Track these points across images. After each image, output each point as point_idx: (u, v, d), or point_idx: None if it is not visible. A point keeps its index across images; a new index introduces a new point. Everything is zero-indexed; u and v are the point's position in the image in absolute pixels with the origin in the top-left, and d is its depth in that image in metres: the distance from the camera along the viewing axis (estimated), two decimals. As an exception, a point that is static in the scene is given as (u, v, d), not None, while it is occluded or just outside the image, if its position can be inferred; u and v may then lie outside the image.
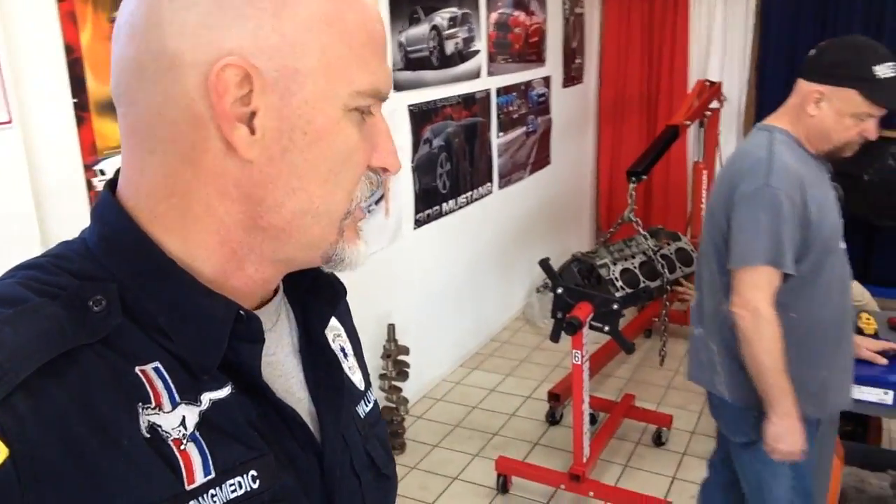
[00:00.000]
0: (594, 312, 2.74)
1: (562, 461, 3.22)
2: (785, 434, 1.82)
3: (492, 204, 4.28)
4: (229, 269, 0.64)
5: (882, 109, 1.78)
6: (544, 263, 2.91)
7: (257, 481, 0.62)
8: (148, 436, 0.56)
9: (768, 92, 4.75)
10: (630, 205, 3.14)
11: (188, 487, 0.57)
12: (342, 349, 0.81)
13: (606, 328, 2.77)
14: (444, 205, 3.82)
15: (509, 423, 3.59)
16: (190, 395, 0.60)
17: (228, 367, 0.62)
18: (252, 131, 0.60)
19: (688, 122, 3.66)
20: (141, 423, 0.56)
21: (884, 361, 2.10)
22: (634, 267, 2.97)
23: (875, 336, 2.36)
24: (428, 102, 3.58)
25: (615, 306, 2.73)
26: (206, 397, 0.61)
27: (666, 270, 3.04)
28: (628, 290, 2.84)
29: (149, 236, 0.62)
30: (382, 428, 0.84)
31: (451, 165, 3.82)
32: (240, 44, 0.58)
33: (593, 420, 3.43)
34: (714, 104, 4.03)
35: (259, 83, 0.59)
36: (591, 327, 2.79)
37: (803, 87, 1.85)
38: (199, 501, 0.58)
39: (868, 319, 2.46)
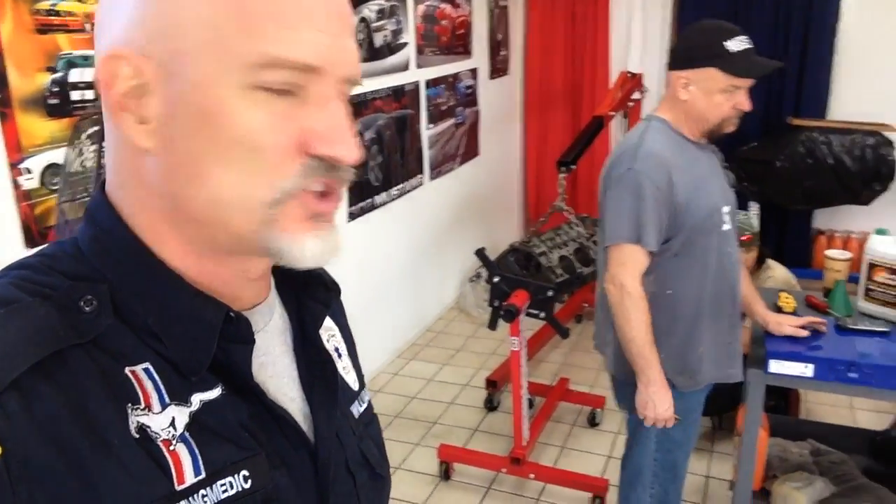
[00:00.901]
0: (530, 300, 2.82)
1: (501, 446, 3.29)
2: (651, 401, 1.95)
3: (423, 195, 4.31)
4: (195, 265, 0.63)
5: (744, 80, 1.88)
6: (481, 253, 2.96)
7: (249, 481, 0.62)
8: (137, 436, 0.56)
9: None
10: (560, 194, 3.23)
11: (178, 488, 0.57)
12: (336, 349, 0.80)
13: (542, 315, 2.84)
14: (377, 197, 3.83)
15: (448, 412, 3.65)
16: (180, 396, 0.60)
17: (219, 368, 0.62)
18: (144, 120, 0.59)
19: (612, 113, 3.78)
20: (130, 423, 0.56)
21: (805, 333, 2.24)
22: (570, 254, 3.05)
23: (794, 314, 2.52)
24: (358, 95, 3.58)
25: (550, 293, 2.80)
26: (197, 398, 0.61)
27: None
28: (566, 277, 2.93)
29: (137, 237, 0.62)
30: (377, 428, 0.83)
31: (383, 158, 3.84)
32: (129, 33, 0.58)
33: (530, 404, 3.52)
34: (636, 95, 4.16)
35: (147, 70, 0.58)
36: (528, 314, 2.86)
37: (671, 76, 1.96)
38: (189, 501, 0.58)
39: (787, 298, 2.60)
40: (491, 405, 3.65)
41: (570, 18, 5.21)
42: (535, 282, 2.83)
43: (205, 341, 0.61)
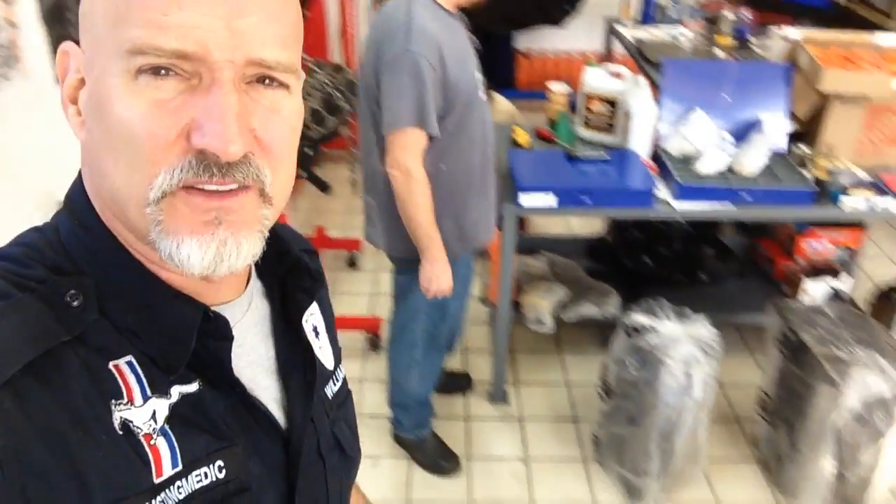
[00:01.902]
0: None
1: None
2: (436, 276, 2.07)
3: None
4: (157, 259, 0.61)
5: None
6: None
7: (223, 471, 0.64)
8: (121, 432, 0.58)
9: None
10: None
11: (156, 481, 0.59)
12: (314, 328, 0.80)
13: (304, 174, 2.87)
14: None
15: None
16: (160, 388, 0.61)
17: (198, 363, 0.63)
18: (81, 112, 0.61)
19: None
20: (114, 419, 0.58)
21: None
22: (318, 106, 3.04)
23: (529, 148, 2.83)
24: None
25: (309, 151, 2.82)
26: (176, 390, 0.63)
27: (344, 102, 3.16)
28: (320, 130, 2.94)
29: (115, 235, 0.63)
30: (350, 407, 0.85)
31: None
32: (80, 28, 0.60)
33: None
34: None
35: (82, 64, 0.60)
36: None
37: None
38: (166, 493, 0.60)
39: (521, 132, 2.91)
40: (252, 264, 3.66)
41: None
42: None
43: (183, 341, 0.62)
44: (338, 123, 3.14)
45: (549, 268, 3.11)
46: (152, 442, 0.60)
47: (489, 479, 2.52)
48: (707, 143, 2.61)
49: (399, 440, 2.61)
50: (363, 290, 3.51)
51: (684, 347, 2.24)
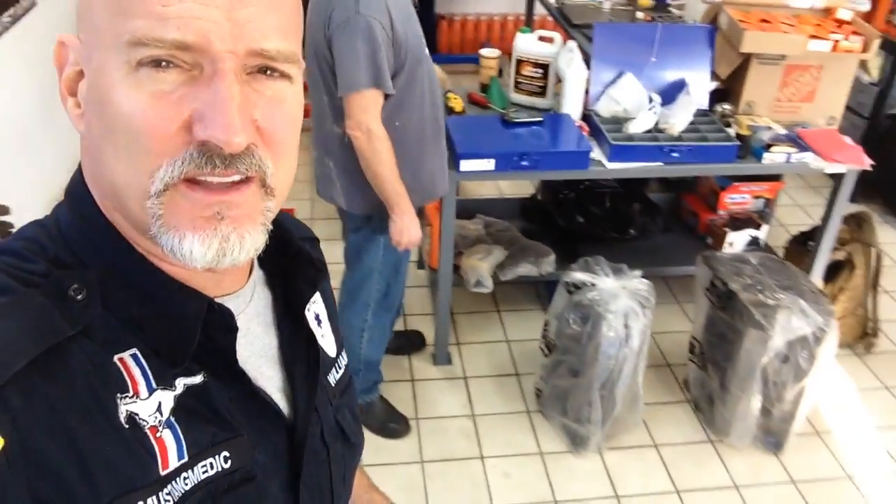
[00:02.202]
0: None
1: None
2: (406, 228, 2.14)
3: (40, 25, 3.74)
4: (160, 255, 0.62)
5: None
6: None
7: (229, 461, 0.64)
8: (127, 426, 0.58)
9: None
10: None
11: (163, 473, 0.59)
12: (317, 316, 0.80)
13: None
14: None
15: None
16: (165, 380, 0.61)
17: (202, 354, 0.63)
18: (79, 104, 0.60)
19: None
20: (120, 413, 0.58)
21: None
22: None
23: (463, 112, 2.86)
24: None
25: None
26: (181, 382, 0.62)
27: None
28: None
29: (116, 228, 0.62)
30: (352, 394, 0.85)
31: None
32: (77, 22, 0.60)
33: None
34: None
35: (81, 56, 0.60)
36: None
37: None
38: (173, 485, 0.60)
39: (455, 98, 2.94)
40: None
41: None
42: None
43: (187, 333, 0.62)
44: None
45: (484, 230, 3.17)
46: (158, 434, 0.60)
47: (439, 437, 2.59)
48: (636, 105, 2.71)
49: None
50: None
51: (622, 301, 2.35)
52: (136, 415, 0.59)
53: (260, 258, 0.73)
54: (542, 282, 3.09)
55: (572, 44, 2.79)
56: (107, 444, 0.56)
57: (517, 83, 2.92)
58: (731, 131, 2.66)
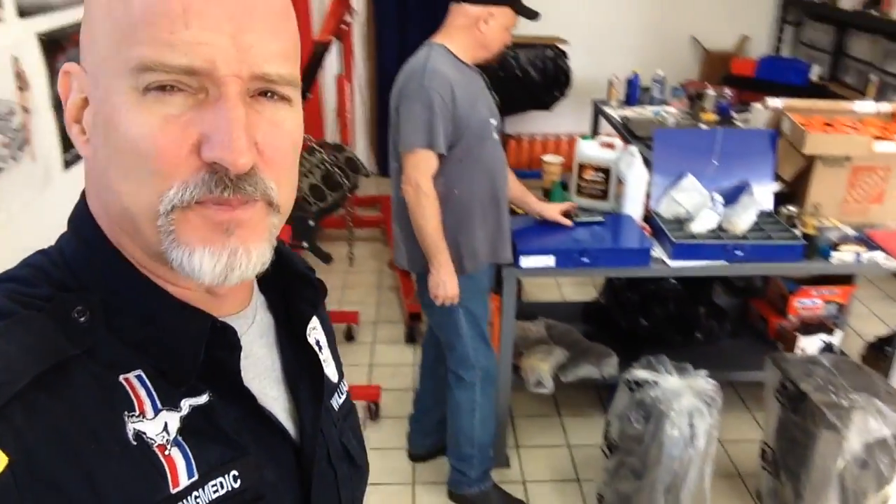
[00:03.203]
0: (292, 232, 2.89)
1: (270, 374, 3.38)
2: (442, 282, 2.27)
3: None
4: (165, 275, 0.63)
5: (514, 21, 2.28)
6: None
7: (238, 481, 0.63)
8: (135, 443, 0.58)
9: (383, 3, 5.13)
10: (300, 123, 3.28)
11: (173, 491, 0.59)
12: (317, 342, 0.81)
13: (306, 245, 2.94)
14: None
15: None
16: (171, 401, 0.62)
17: (207, 374, 0.63)
18: (85, 131, 0.62)
19: (331, 38, 3.85)
20: (128, 430, 0.58)
21: (569, 223, 2.67)
22: (318, 181, 3.15)
23: (524, 214, 2.92)
24: (63, 29, 3.21)
25: (311, 223, 2.90)
26: (186, 403, 0.63)
27: (344, 179, 3.28)
28: (320, 205, 3.03)
29: (118, 250, 0.63)
30: (355, 419, 0.86)
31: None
32: (81, 50, 0.62)
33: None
34: (347, 18, 4.26)
35: (85, 83, 0.61)
36: (292, 247, 2.94)
37: (469, 10, 2.23)
38: (184, 503, 0.60)
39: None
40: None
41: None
42: (294, 213, 2.90)
43: (191, 353, 0.62)
44: (337, 199, 3.24)
45: (546, 332, 3.15)
46: (167, 452, 0.60)
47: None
48: (698, 205, 2.72)
49: (461, 498, 2.61)
50: (361, 362, 3.53)
51: (686, 399, 2.27)
52: (144, 433, 0.59)
53: (260, 283, 0.75)
54: (604, 386, 3.01)
55: (633, 148, 2.84)
56: (115, 462, 0.56)
57: (579, 187, 2.97)
58: (797, 231, 2.62)
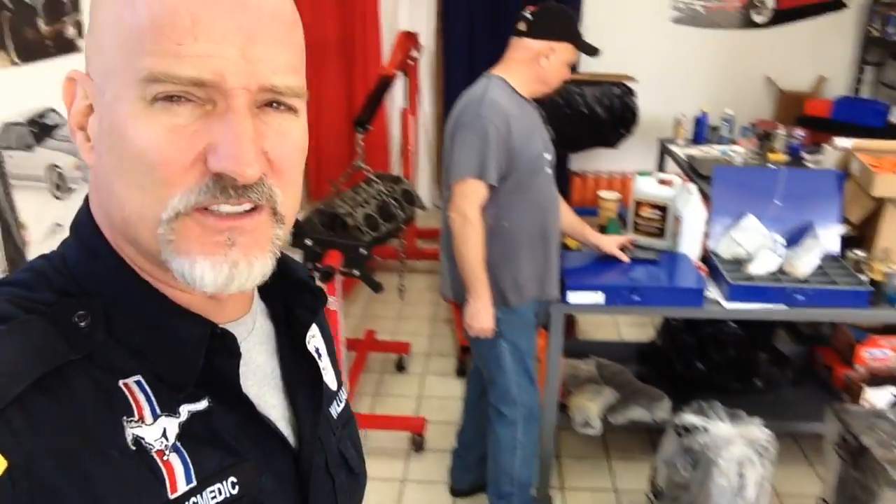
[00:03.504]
0: (344, 259, 2.91)
1: (319, 401, 3.38)
2: (478, 313, 2.25)
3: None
4: (165, 281, 0.63)
5: (575, 57, 2.30)
6: (290, 217, 2.99)
7: (237, 487, 0.63)
8: (133, 448, 0.58)
9: (453, 39, 5.19)
10: (359, 154, 3.32)
11: (172, 496, 0.59)
12: (317, 350, 0.80)
13: (356, 272, 2.95)
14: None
15: (259, 376, 3.66)
16: (169, 407, 0.62)
17: (206, 381, 0.63)
18: (90, 137, 0.62)
19: (397, 72, 3.91)
20: (126, 435, 0.58)
21: (625, 258, 2.63)
22: (373, 212, 3.17)
23: (578, 250, 2.87)
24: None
25: (363, 251, 2.92)
26: (185, 409, 0.63)
27: (399, 211, 3.30)
28: (373, 234, 3.05)
29: (119, 256, 0.64)
30: (354, 427, 0.85)
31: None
32: (87, 57, 0.63)
33: (342, 358, 3.63)
34: (414, 53, 4.33)
35: (91, 91, 0.62)
36: (342, 273, 2.96)
37: (530, 44, 2.24)
38: None
39: (569, 238, 2.95)
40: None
41: (338, -24, 5.23)
42: (347, 241, 2.92)
43: (191, 359, 0.62)
44: (391, 230, 3.26)
45: (597, 371, 3.07)
46: (165, 458, 0.60)
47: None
48: (758, 246, 2.62)
49: None
50: (410, 393, 3.51)
51: (737, 448, 2.16)
52: (142, 439, 0.59)
53: (261, 290, 0.74)
54: (656, 430, 2.90)
55: (692, 186, 2.77)
56: (113, 467, 0.56)
57: (636, 224, 2.91)
58: (864, 277, 2.49)
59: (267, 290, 0.75)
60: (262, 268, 0.62)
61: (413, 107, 4.55)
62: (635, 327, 4.01)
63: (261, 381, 0.72)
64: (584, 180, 5.71)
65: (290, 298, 0.76)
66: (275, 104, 0.61)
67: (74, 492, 0.54)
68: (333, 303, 2.94)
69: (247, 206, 0.60)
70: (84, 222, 0.66)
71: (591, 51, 2.33)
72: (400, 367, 3.69)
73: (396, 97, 4.95)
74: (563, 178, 5.59)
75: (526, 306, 2.37)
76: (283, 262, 0.71)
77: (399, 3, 5.22)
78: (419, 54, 4.44)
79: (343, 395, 0.85)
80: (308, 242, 2.92)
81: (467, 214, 2.19)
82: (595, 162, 5.63)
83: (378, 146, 5.51)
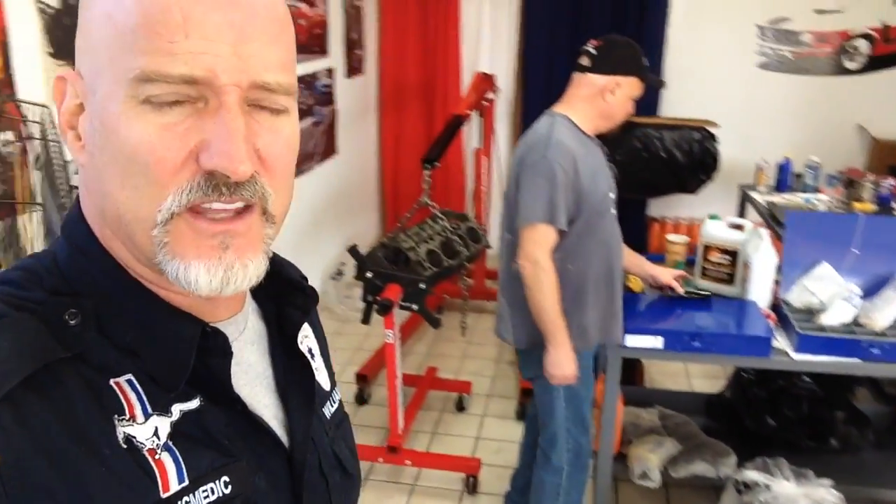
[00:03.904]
0: (403, 293, 2.92)
1: (375, 437, 3.38)
2: (560, 361, 2.19)
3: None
4: (157, 281, 0.63)
5: (640, 91, 2.24)
6: (353, 250, 3.03)
7: (229, 487, 0.63)
8: (125, 446, 0.58)
9: (531, 81, 5.22)
10: (426, 190, 3.34)
11: (164, 495, 0.59)
12: (310, 350, 0.80)
13: (415, 307, 2.95)
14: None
15: (320, 408, 3.68)
16: (161, 406, 0.61)
17: (198, 380, 0.63)
18: (80, 136, 0.62)
19: (469, 112, 3.94)
20: (118, 434, 0.58)
21: (680, 289, 2.59)
22: (436, 248, 3.18)
23: (642, 293, 2.78)
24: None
25: (422, 286, 2.92)
26: (177, 408, 0.62)
27: (463, 248, 3.29)
28: (434, 270, 3.05)
29: (110, 255, 0.64)
30: (347, 428, 0.84)
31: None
32: (76, 56, 0.62)
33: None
34: (490, 95, 4.36)
35: (81, 89, 0.61)
36: (401, 307, 2.96)
37: (594, 80, 2.21)
38: None
39: (634, 279, 2.87)
40: (362, 399, 3.71)
41: (422, 19, 5.36)
42: (407, 275, 2.93)
43: (182, 358, 0.62)
44: (454, 266, 3.26)
45: (660, 421, 2.94)
46: (157, 457, 0.60)
47: None
48: (832, 296, 2.47)
49: None
50: (468, 433, 3.45)
51: (800, 509, 2.02)
52: (134, 437, 0.59)
53: (253, 291, 0.74)
54: (720, 486, 2.74)
55: (763, 230, 2.66)
56: (104, 465, 0.56)
57: (704, 269, 2.80)
58: (950, 333, 2.31)
59: (259, 291, 0.74)
60: (256, 269, 0.62)
61: (487, 147, 4.57)
62: (707, 379, 3.84)
63: (253, 380, 0.71)
64: (662, 226, 5.57)
65: (282, 298, 0.76)
66: (266, 103, 0.61)
67: (65, 490, 0.54)
68: (390, 336, 2.94)
69: (238, 205, 0.59)
70: (75, 222, 0.66)
71: (658, 84, 2.28)
72: (460, 406, 3.64)
73: (473, 138, 5.00)
74: (641, 224, 5.48)
75: (589, 352, 2.31)
76: (274, 262, 0.71)
77: (480, 46, 5.30)
78: (495, 95, 4.46)
79: (337, 396, 0.83)
80: (369, 275, 2.95)
81: (539, 261, 2.13)
82: (674, 208, 5.49)
83: (455, 186, 5.56)
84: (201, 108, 0.57)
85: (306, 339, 0.80)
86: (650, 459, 2.70)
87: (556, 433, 2.33)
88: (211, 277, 0.59)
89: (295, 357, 0.75)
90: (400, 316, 3.14)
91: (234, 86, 0.57)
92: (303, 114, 4.46)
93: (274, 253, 0.71)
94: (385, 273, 2.96)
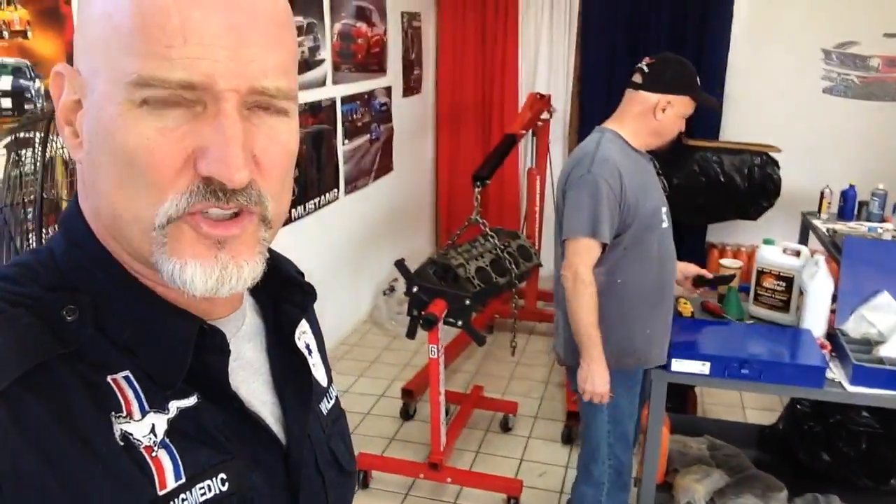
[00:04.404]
0: (448, 309, 2.91)
1: (418, 453, 3.36)
2: (592, 376, 2.18)
3: (338, 210, 4.36)
4: (153, 278, 0.63)
5: (691, 108, 2.23)
6: (400, 264, 3.04)
7: (226, 484, 0.63)
8: (122, 444, 0.58)
9: (588, 102, 5.19)
10: (476, 207, 3.34)
11: (160, 493, 0.59)
12: (307, 346, 0.80)
13: (460, 323, 2.95)
14: (293, 211, 3.86)
15: (365, 422, 3.69)
16: (158, 403, 0.61)
17: (195, 377, 0.63)
18: (78, 133, 0.62)
19: (523, 132, 3.94)
20: (115, 431, 0.58)
21: (709, 274, 2.58)
22: (486, 265, 3.17)
23: (692, 318, 2.71)
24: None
25: (468, 302, 2.91)
26: (174, 405, 0.62)
27: (513, 266, 3.28)
28: (482, 287, 3.04)
29: (107, 252, 0.63)
30: (344, 424, 0.84)
31: (299, 172, 3.87)
32: (76, 52, 0.62)
33: (446, 412, 3.60)
34: (545, 115, 4.35)
35: (78, 86, 0.61)
36: (446, 323, 2.96)
37: (646, 97, 2.21)
38: None
39: (685, 303, 2.80)
40: (407, 414, 3.71)
41: (480, 39, 5.40)
42: (452, 291, 2.93)
43: (179, 356, 0.62)
44: (503, 285, 3.24)
45: (708, 451, 2.86)
46: (154, 454, 0.59)
47: None
48: (891, 327, 2.37)
49: None
50: (513, 455, 3.41)
51: (850, 549, 1.93)
52: (131, 434, 0.59)
53: (251, 288, 0.73)
54: (769, 522, 2.65)
55: (819, 257, 2.57)
56: (101, 462, 0.56)
57: (757, 295, 2.72)
58: None
59: (256, 287, 0.70)
60: (251, 271, 0.61)
61: (541, 167, 4.55)
62: (762, 411, 3.72)
63: (250, 377, 0.71)
64: (721, 252, 5.45)
65: (280, 295, 0.76)
66: (266, 106, 0.60)
67: (60, 488, 0.54)
68: (434, 351, 2.94)
69: (235, 210, 0.59)
70: (73, 217, 0.66)
71: (711, 104, 2.26)
72: (506, 427, 3.61)
73: (528, 157, 4.99)
74: (701, 250, 5.37)
75: (639, 372, 2.29)
76: (271, 259, 0.70)
77: (538, 67, 5.30)
78: (550, 116, 4.45)
79: (333, 392, 0.83)
80: (415, 290, 2.96)
81: (580, 274, 2.14)
82: (734, 234, 5.37)
83: (509, 205, 5.56)
84: (199, 113, 0.57)
85: (304, 335, 0.80)
86: (696, 490, 2.62)
87: (597, 447, 2.31)
88: (206, 278, 0.59)
89: (292, 353, 0.74)
90: (447, 333, 3.14)
91: (233, 91, 0.57)
92: (359, 130, 4.53)
93: (271, 249, 0.70)
94: (431, 288, 2.97)
